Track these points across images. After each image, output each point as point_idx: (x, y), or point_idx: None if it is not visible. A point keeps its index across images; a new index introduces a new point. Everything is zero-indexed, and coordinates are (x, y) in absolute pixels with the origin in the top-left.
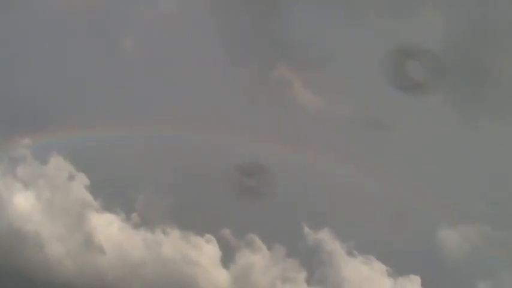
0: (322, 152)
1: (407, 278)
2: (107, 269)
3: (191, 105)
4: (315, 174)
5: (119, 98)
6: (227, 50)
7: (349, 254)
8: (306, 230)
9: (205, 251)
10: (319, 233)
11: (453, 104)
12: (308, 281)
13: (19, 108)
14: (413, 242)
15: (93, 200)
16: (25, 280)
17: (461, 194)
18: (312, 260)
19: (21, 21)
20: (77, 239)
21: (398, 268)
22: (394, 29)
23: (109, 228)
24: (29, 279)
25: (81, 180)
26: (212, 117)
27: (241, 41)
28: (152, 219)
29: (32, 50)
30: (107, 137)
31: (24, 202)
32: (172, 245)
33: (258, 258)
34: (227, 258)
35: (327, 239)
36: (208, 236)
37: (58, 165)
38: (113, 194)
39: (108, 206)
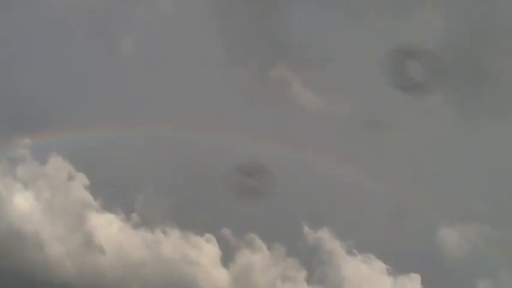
0: (322, 152)
1: (407, 277)
2: (107, 269)
3: (191, 105)
4: (314, 174)
5: (118, 98)
6: (227, 50)
7: (349, 252)
8: (306, 229)
9: (205, 251)
10: (319, 232)
11: (453, 104)
12: (308, 280)
13: (19, 108)
14: (413, 241)
15: (93, 200)
16: (25, 280)
17: (461, 193)
18: (312, 259)
19: (21, 21)
20: (77, 239)
21: (398, 267)
22: (394, 29)
23: (109, 228)
24: (29, 280)
25: (81, 180)
26: (212, 117)
27: (241, 41)
28: (152, 219)
29: (32, 50)
30: (107, 137)
31: (23, 202)
32: (172, 244)
33: (258, 258)
34: (227, 258)
35: (327, 238)
36: (208, 235)
37: (58, 165)
38: (112, 194)
39: (108, 206)
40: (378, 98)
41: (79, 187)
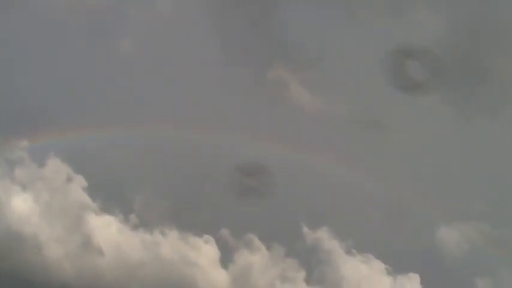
0: (322, 152)
1: (406, 276)
2: (106, 271)
3: (190, 105)
4: (314, 174)
5: (117, 99)
6: (226, 50)
7: (348, 252)
8: (305, 229)
9: (204, 252)
10: (318, 232)
11: (453, 104)
12: (307, 281)
13: (17, 109)
14: (412, 241)
15: (91, 202)
16: (24, 282)
17: (461, 193)
18: (310, 260)
19: (21, 21)
20: (75, 241)
21: (397, 266)
22: (394, 29)
23: (107, 230)
24: (28, 281)
25: (79, 182)
26: (211, 118)
27: (240, 41)
28: (150, 220)
29: (32, 50)
30: (105, 139)
31: (22, 204)
32: (170, 245)
33: (257, 258)
34: (226, 259)
35: (326, 238)
36: (206, 236)
37: (56, 167)
38: (111, 196)
39: (106, 208)
40: (378, 98)
41: (77, 189)
